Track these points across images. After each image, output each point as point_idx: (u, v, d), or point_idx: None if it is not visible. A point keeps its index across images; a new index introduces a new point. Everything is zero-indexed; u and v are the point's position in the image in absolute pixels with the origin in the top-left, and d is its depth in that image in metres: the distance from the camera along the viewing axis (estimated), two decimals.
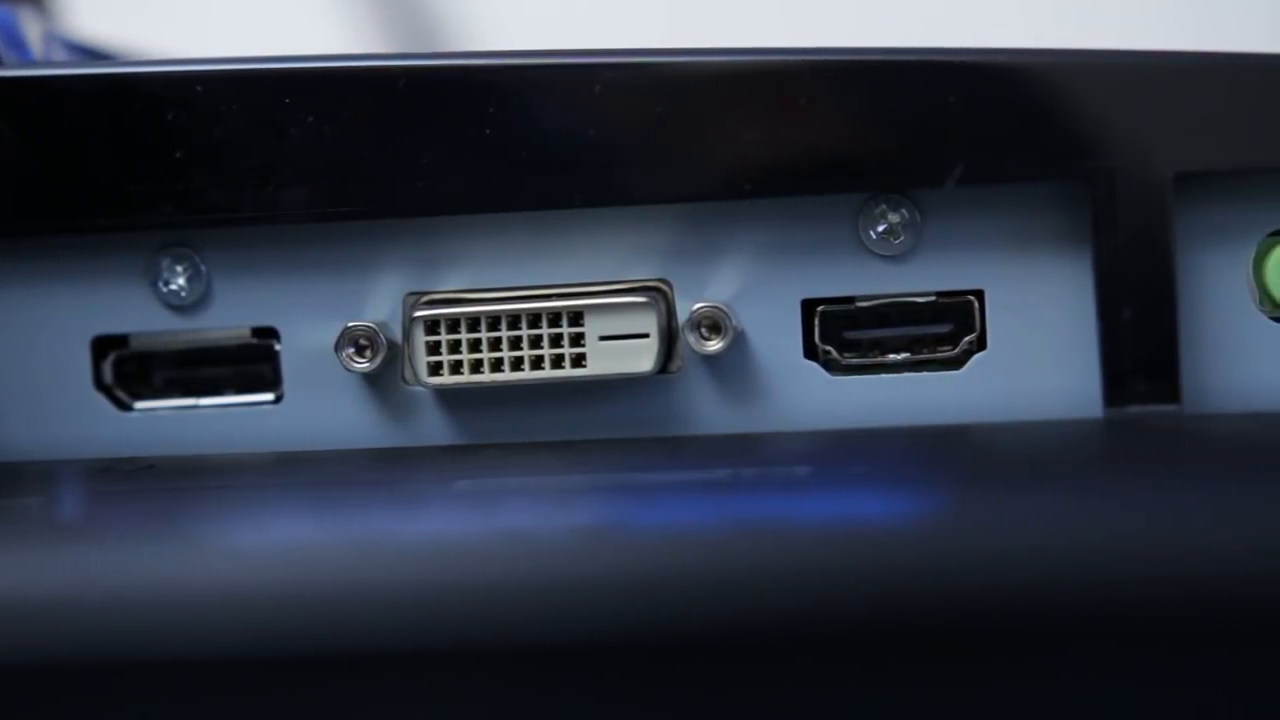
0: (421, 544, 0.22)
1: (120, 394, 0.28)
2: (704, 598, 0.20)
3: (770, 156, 0.27)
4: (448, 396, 0.28)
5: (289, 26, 0.72)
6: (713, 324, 0.27)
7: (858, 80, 0.26)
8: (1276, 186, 0.27)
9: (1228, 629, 0.20)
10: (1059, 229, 0.27)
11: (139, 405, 0.28)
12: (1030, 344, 0.27)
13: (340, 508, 0.25)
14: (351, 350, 0.27)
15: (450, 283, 0.28)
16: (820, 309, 0.27)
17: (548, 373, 0.27)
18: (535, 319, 0.27)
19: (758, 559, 0.21)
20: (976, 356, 0.27)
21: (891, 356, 0.28)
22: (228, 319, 0.28)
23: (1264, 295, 0.27)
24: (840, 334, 0.27)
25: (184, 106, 0.27)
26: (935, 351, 0.28)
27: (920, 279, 0.27)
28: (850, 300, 0.27)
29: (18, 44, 0.38)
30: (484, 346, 0.27)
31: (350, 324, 0.27)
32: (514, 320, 0.27)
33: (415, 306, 0.27)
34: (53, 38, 0.41)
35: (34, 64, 0.37)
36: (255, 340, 0.28)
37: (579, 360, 0.27)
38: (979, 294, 0.27)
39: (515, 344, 0.27)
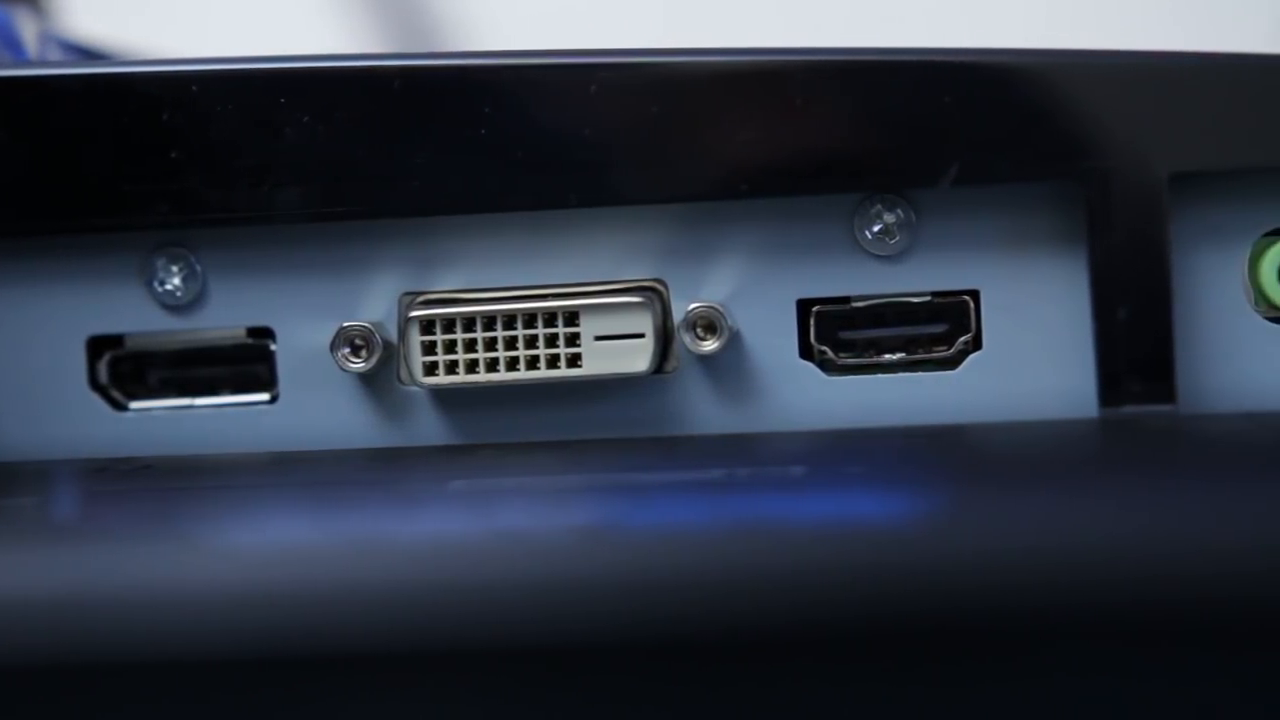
0: (417, 544, 0.22)
1: (116, 394, 0.28)
2: (699, 598, 0.20)
3: (766, 156, 0.27)
4: (443, 396, 0.28)
5: (285, 26, 0.72)
6: (708, 324, 0.27)
7: (853, 80, 0.26)
8: (1271, 187, 0.27)
9: (1223, 628, 0.20)
10: (1054, 229, 0.27)
11: (134, 405, 0.28)
12: (1026, 344, 0.27)
13: (336, 508, 0.25)
14: (347, 350, 0.27)
15: (446, 283, 0.28)
16: (816, 309, 0.27)
17: (543, 373, 0.27)
18: (531, 319, 0.27)
19: (753, 559, 0.21)
20: (972, 356, 0.27)
21: (887, 356, 0.28)
22: (223, 319, 0.28)
23: (1259, 295, 0.27)
24: (836, 334, 0.28)
25: (179, 106, 0.27)
26: (931, 351, 0.28)
27: (916, 279, 0.27)
28: (846, 300, 0.27)
29: (14, 44, 0.38)
30: (479, 346, 0.27)
31: (346, 324, 0.27)
32: (509, 320, 0.27)
33: (411, 306, 0.27)
34: (48, 37, 0.41)
35: (30, 64, 0.37)
36: (251, 340, 0.28)
37: (574, 360, 0.27)
38: (974, 294, 0.27)
39: (511, 344, 0.27)
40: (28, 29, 0.39)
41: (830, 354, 0.27)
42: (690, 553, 0.21)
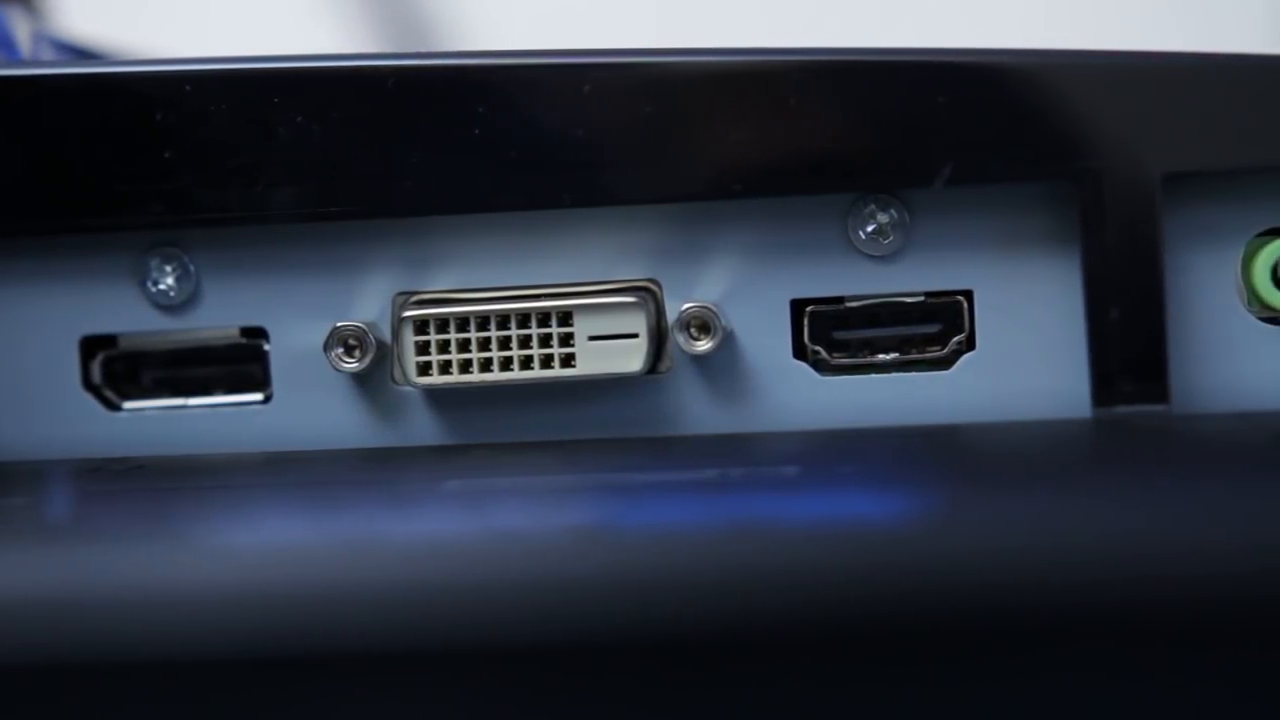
0: (410, 544, 0.22)
1: (109, 394, 0.28)
2: (694, 598, 0.20)
3: (759, 157, 0.27)
4: (437, 396, 0.28)
5: (279, 26, 0.72)
6: (702, 324, 0.27)
7: (846, 81, 0.26)
8: (1264, 187, 0.27)
9: (1216, 628, 0.20)
10: (1048, 229, 0.27)
11: (128, 405, 0.28)
12: (1019, 344, 0.27)
13: (329, 508, 0.25)
14: (340, 350, 0.27)
15: (439, 283, 0.28)
16: (809, 309, 0.27)
17: (537, 373, 0.27)
18: (524, 319, 0.27)
19: (747, 559, 0.21)
20: (965, 356, 0.27)
21: (880, 356, 0.28)
22: (216, 319, 0.28)
23: (1252, 295, 0.27)
24: (829, 334, 0.28)
25: (173, 106, 0.27)
26: (924, 352, 0.28)
27: (909, 279, 0.27)
28: (839, 300, 0.27)
29: (7, 43, 0.38)
30: (473, 346, 0.27)
31: (339, 324, 0.27)
32: (503, 320, 0.27)
33: (404, 306, 0.27)
34: (42, 37, 0.41)
35: (23, 63, 0.37)
36: (244, 340, 0.28)
37: (568, 360, 0.27)
38: (968, 294, 0.27)
39: (504, 344, 0.27)
40: (21, 29, 0.39)
41: (824, 354, 0.27)
42: (684, 553, 0.21)
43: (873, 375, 0.28)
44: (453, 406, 0.28)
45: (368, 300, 0.28)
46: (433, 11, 0.74)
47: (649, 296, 0.27)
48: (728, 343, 0.27)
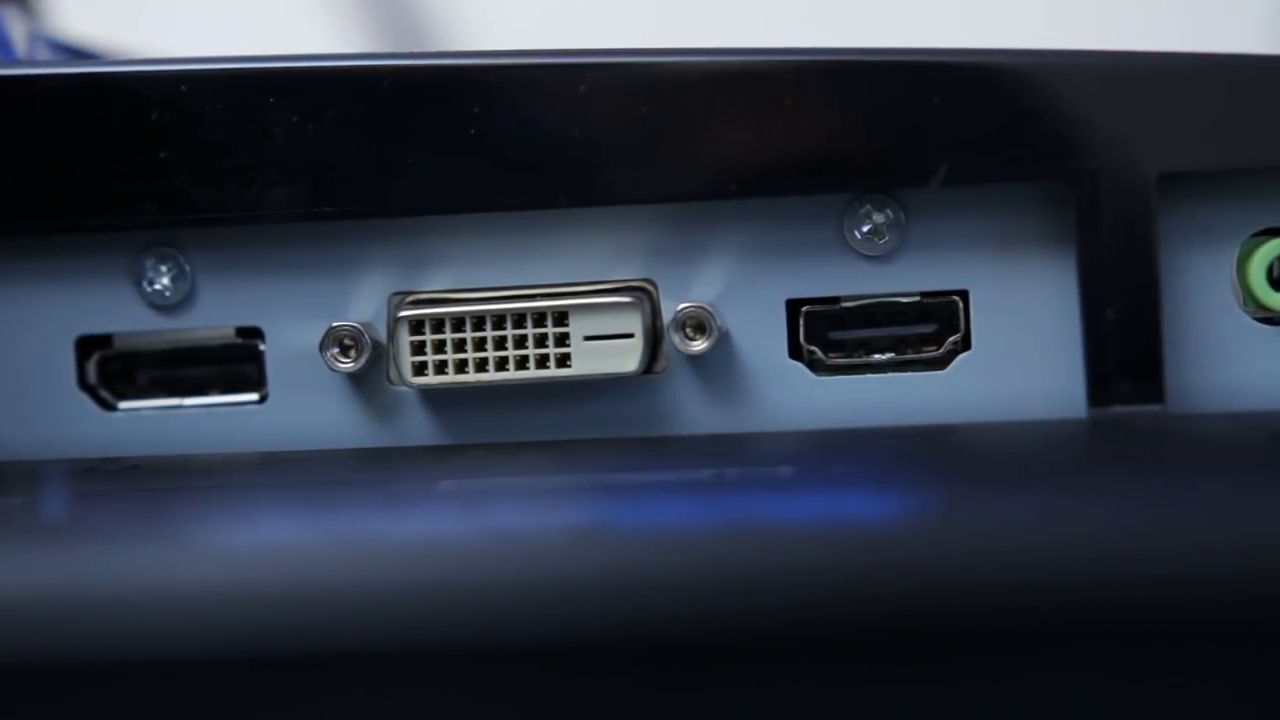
0: (406, 544, 0.22)
1: (104, 394, 0.28)
2: (690, 597, 0.20)
3: (755, 157, 0.27)
4: (432, 397, 0.28)
5: (276, 26, 0.72)
6: (698, 324, 0.27)
7: (842, 80, 0.26)
8: (1260, 187, 0.27)
9: (1211, 627, 0.20)
10: (1043, 229, 0.27)
11: (123, 405, 0.28)
12: (1015, 344, 0.27)
13: (325, 508, 0.25)
14: (336, 350, 0.27)
15: (435, 283, 0.28)
16: (805, 309, 0.27)
17: (532, 373, 0.27)
18: (520, 319, 0.27)
19: (744, 559, 0.21)
20: (961, 357, 0.27)
21: (876, 356, 0.28)
22: (212, 319, 0.28)
23: (1247, 296, 0.27)
24: (825, 334, 0.28)
25: (168, 106, 0.27)
26: (920, 352, 0.28)
27: (905, 279, 0.27)
28: (835, 300, 0.27)
29: (2, 43, 0.38)
30: (469, 346, 0.27)
31: (335, 324, 0.27)
32: (499, 320, 0.27)
33: (400, 306, 0.27)
34: (37, 37, 0.41)
35: (18, 63, 0.37)
36: (240, 340, 0.28)
37: (564, 360, 0.27)
38: (964, 294, 0.27)
39: (500, 344, 0.27)
40: (16, 28, 0.39)
41: (819, 354, 0.27)
42: (680, 553, 0.21)
43: (868, 375, 0.28)
44: (448, 407, 0.28)
45: (363, 300, 0.28)
46: (428, 11, 0.74)
47: (644, 296, 0.27)
48: (723, 343, 0.27)
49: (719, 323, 0.27)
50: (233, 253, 0.28)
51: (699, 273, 0.27)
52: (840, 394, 0.27)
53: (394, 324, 0.27)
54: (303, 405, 0.28)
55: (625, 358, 0.27)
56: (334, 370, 0.27)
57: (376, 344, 0.27)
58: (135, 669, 0.21)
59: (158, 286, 0.28)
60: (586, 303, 0.27)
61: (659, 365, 0.28)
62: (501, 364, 0.27)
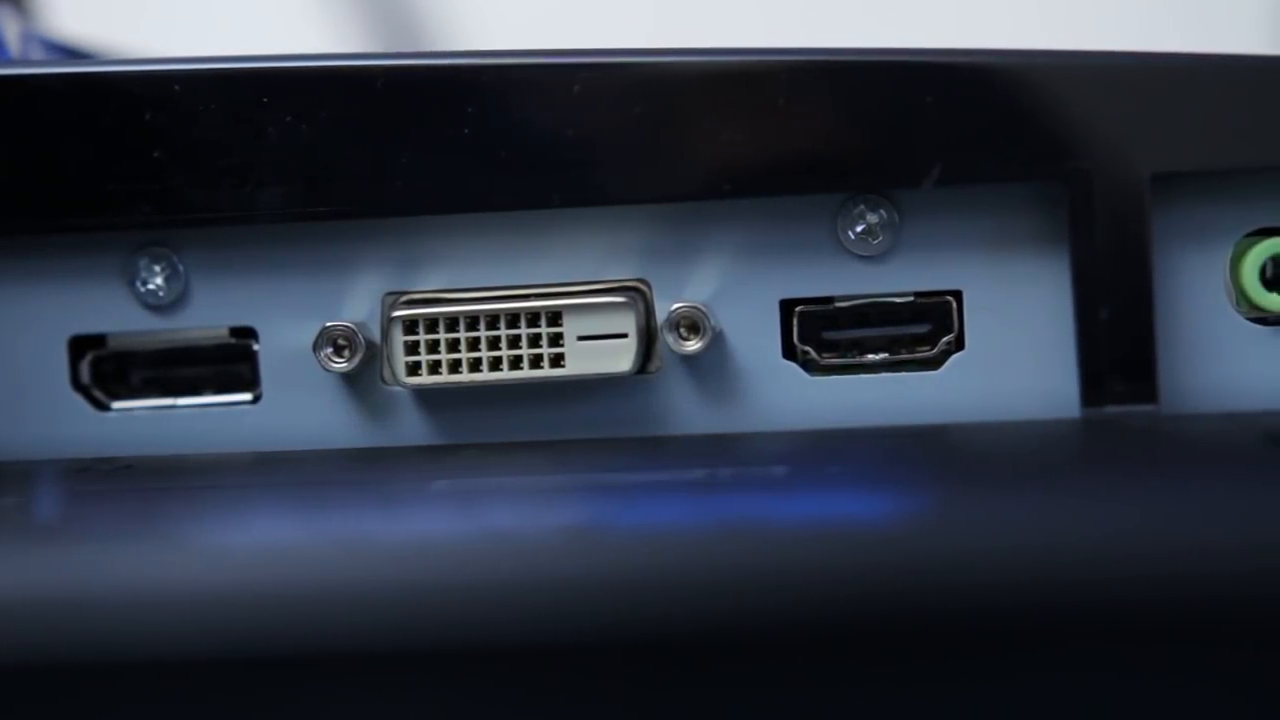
0: (400, 544, 0.22)
1: (98, 394, 0.28)
2: (684, 597, 0.20)
3: (749, 157, 0.27)
4: (426, 396, 0.28)
5: (271, 26, 0.72)
6: (691, 324, 0.27)
7: (836, 81, 0.26)
8: (1253, 187, 0.27)
9: (1205, 627, 0.20)
10: (1037, 229, 0.27)
11: (116, 405, 0.28)
12: (1008, 344, 0.27)
13: (319, 508, 0.25)
14: (330, 350, 0.27)
15: (429, 282, 0.28)
16: (799, 309, 0.27)
17: (526, 373, 0.27)
18: (514, 319, 0.27)
19: (737, 559, 0.21)
20: (955, 357, 0.27)
21: (870, 357, 0.28)
22: (206, 319, 0.28)
23: (1240, 296, 0.27)
24: (819, 334, 0.28)
25: (162, 106, 0.27)
26: (914, 352, 0.28)
27: (899, 279, 0.27)
28: (829, 300, 0.27)
29: None
30: (463, 346, 0.27)
31: (329, 324, 0.27)
32: (492, 320, 0.27)
33: (394, 306, 0.27)
34: (31, 37, 0.41)
35: (12, 63, 0.37)
36: (233, 340, 0.28)
37: (557, 360, 0.27)
38: (957, 294, 0.27)
39: (494, 344, 0.27)
40: (10, 28, 0.39)
41: (813, 354, 0.27)
42: (673, 553, 0.21)
43: (862, 375, 0.28)
44: (442, 406, 0.28)
45: (357, 300, 0.28)
46: (423, 11, 0.74)
47: (638, 296, 0.27)
48: (717, 343, 0.27)
49: (713, 323, 0.27)
50: (226, 252, 0.28)
51: (693, 273, 0.27)
52: (834, 394, 0.27)
53: (388, 324, 0.27)
54: (296, 405, 0.28)
55: (619, 358, 0.27)
56: (328, 370, 0.27)
57: (370, 344, 0.27)
58: (128, 669, 0.21)
59: (151, 286, 0.28)
60: (580, 303, 0.27)
61: (653, 365, 0.28)
62: (495, 364, 0.27)
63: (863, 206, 0.27)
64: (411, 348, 0.27)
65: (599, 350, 0.27)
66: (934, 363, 0.27)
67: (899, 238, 0.27)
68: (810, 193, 0.27)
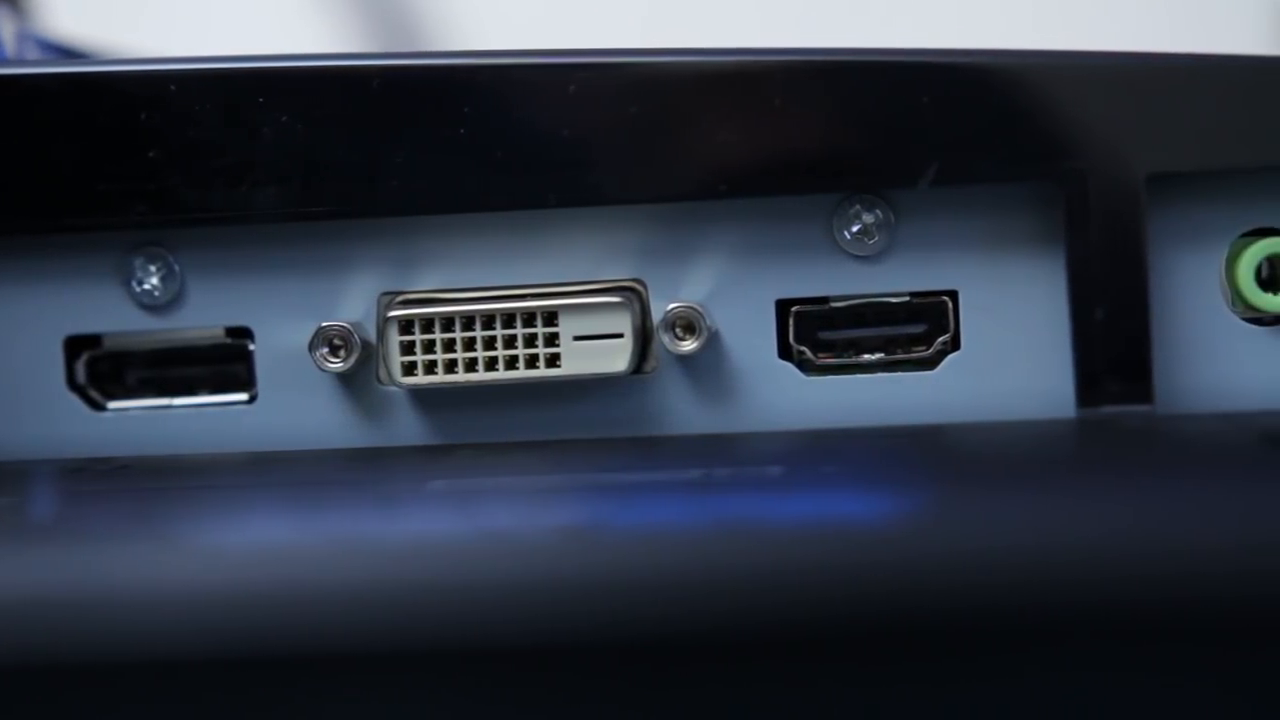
0: (396, 544, 0.22)
1: (93, 394, 0.28)
2: (679, 597, 0.20)
3: (745, 157, 0.27)
4: (422, 396, 0.28)
5: (267, 26, 0.72)
6: (687, 324, 0.27)
7: (832, 81, 0.26)
8: (1249, 188, 0.27)
9: (1201, 627, 0.20)
10: (1032, 230, 0.27)
11: (112, 405, 0.28)
12: (1004, 344, 0.27)
13: (315, 508, 0.25)
14: (325, 350, 0.27)
15: (424, 282, 0.28)
16: (795, 309, 0.27)
17: (522, 373, 0.27)
18: (509, 319, 0.27)
19: (733, 559, 0.21)
20: (951, 357, 0.27)
21: (866, 357, 0.28)
22: (201, 319, 0.28)
23: (1235, 296, 0.27)
24: (815, 334, 0.28)
25: (157, 106, 0.27)
26: (909, 352, 0.28)
27: (894, 279, 0.27)
28: (825, 300, 0.27)
29: None
30: (458, 346, 0.27)
31: (324, 324, 0.27)
32: (488, 320, 0.27)
33: (389, 306, 0.27)
34: (26, 36, 0.41)
35: (6, 63, 0.37)
36: (229, 340, 0.28)
37: (553, 360, 0.27)
38: (953, 294, 0.27)
39: (489, 344, 0.27)
40: (5, 28, 0.39)
41: (809, 354, 0.27)
42: (669, 552, 0.21)
43: (858, 375, 0.28)
44: (438, 406, 0.28)
45: (353, 300, 0.28)
46: (419, 11, 0.74)
47: (634, 296, 0.27)
48: (713, 343, 0.27)
49: (708, 323, 0.27)
50: (222, 252, 0.28)
51: (688, 273, 0.27)
52: (830, 394, 0.27)
53: (383, 324, 0.27)
54: (292, 405, 0.28)
55: (615, 358, 0.27)
56: (323, 370, 0.27)
57: (366, 344, 0.27)
58: (124, 669, 0.21)
59: (147, 286, 0.28)
60: (576, 303, 0.27)
61: (648, 365, 0.28)
62: (491, 364, 0.27)
63: (858, 206, 0.27)
64: (407, 348, 0.27)
65: (595, 350, 0.27)
66: (930, 363, 0.27)
67: (895, 238, 0.27)
68: (806, 193, 0.27)
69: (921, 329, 0.28)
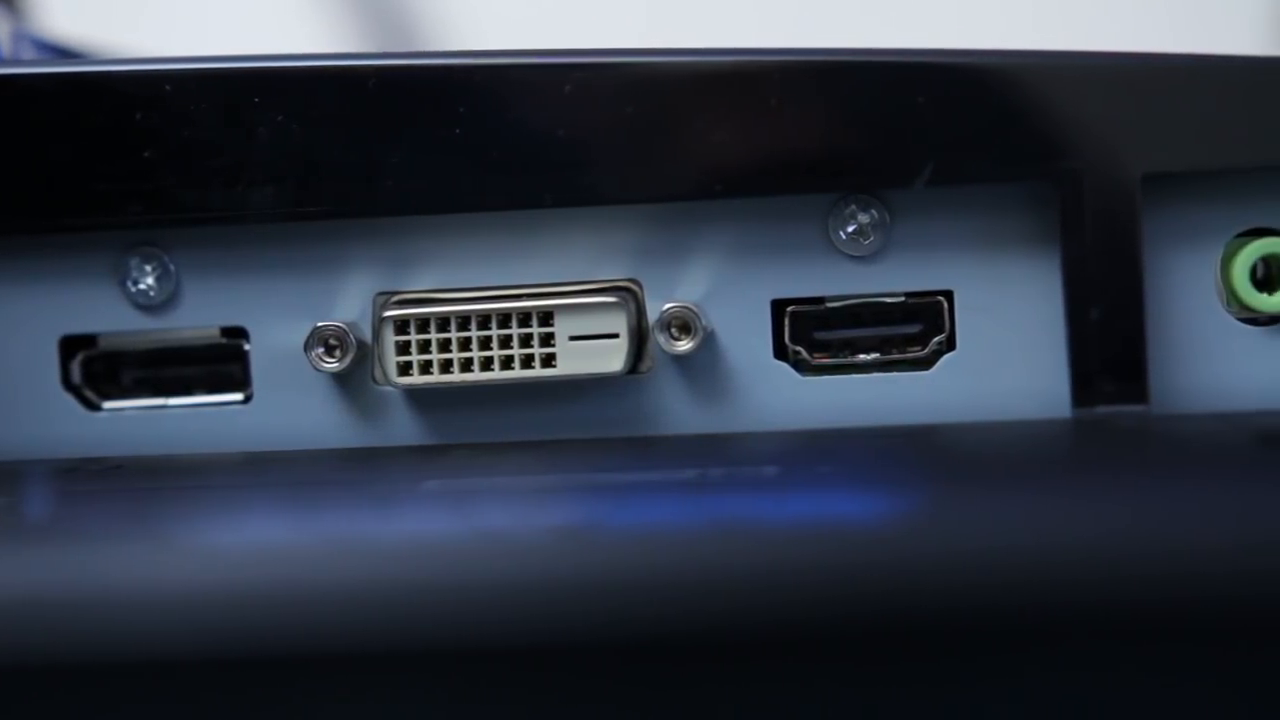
0: (392, 544, 0.22)
1: (88, 394, 0.28)
2: (675, 597, 0.20)
3: (740, 157, 0.27)
4: (417, 396, 0.28)
5: (264, 26, 0.72)
6: (683, 324, 0.27)
7: (827, 81, 0.26)
8: (1244, 188, 0.27)
9: (1197, 627, 0.20)
10: (1028, 230, 0.27)
11: (107, 405, 0.28)
12: (999, 344, 0.27)
13: (310, 508, 0.25)
14: (321, 350, 0.27)
15: (420, 282, 0.28)
16: (790, 309, 0.27)
17: (518, 373, 0.27)
18: (505, 319, 0.27)
19: (729, 559, 0.21)
20: (946, 357, 0.27)
21: (861, 357, 0.28)
22: (197, 319, 0.28)
23: (1231, 296, 0.27)
24: (810, 334, 0.28)
25: (153, 105, 0.27)
26: (905, 352, 0.28)
27: (890, 279, 0.27)
28: (820, 300, 0.27)
29: None
30: (454, 346, 0.27)
31: (320, 324, 0.27)
32: (484, 320, 0.27)
33: (385, 306, 0.27)
34: (21, 36, 0.41)
35: (2, 62, 0.37)
36: (224, 340, 0.28)
37: (549, 360, 0.27)
38: (948, 294, 0.27)
39: (485, 344, 0.27)
40: (1, 28, 0.39)
41: (805, 354, 0.27)
42: (665, 553, 0.21)
43: (853, 375, 0.28)
44: (433, 406, 0.28)
45: (348, 300, 0.28)
46: (416, 11, 0.74)
47: (630, 296, 0.27)
48: (709, 343, 0.27)
49: (704, 323, 0.27)
50: (217, 252, 0.28)
51: (684, 273, 0.27)
52: (825, 394, 0.27)
53: (379, 324, 0.27)
54: (288, 405, 0.28)
55: (610, 358, 0.27)
56: (319, 370, 0.27)
57: (361, 344, 0.27)
58: (119, 670, 0.21)
59: (142, 286, 0.28)
60: (571, 303, 0.27)
61: (644, 365, 0.28)
62: (486, 364, 0.27)
63: (854, 207, 0.27)
64: (403, 348, 0.27)
65: (590, 350, 0.27)
66: (925, 363, 0.27)
67: (890, 238, 0.27)
68: (801, 193, 0.27)
69: (917, 329, 0.28)
